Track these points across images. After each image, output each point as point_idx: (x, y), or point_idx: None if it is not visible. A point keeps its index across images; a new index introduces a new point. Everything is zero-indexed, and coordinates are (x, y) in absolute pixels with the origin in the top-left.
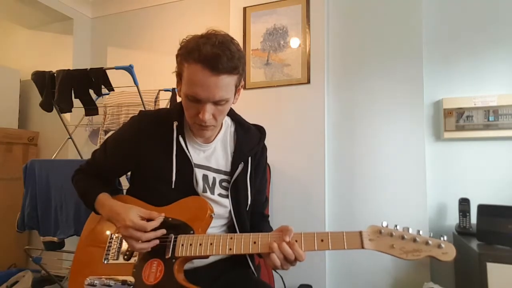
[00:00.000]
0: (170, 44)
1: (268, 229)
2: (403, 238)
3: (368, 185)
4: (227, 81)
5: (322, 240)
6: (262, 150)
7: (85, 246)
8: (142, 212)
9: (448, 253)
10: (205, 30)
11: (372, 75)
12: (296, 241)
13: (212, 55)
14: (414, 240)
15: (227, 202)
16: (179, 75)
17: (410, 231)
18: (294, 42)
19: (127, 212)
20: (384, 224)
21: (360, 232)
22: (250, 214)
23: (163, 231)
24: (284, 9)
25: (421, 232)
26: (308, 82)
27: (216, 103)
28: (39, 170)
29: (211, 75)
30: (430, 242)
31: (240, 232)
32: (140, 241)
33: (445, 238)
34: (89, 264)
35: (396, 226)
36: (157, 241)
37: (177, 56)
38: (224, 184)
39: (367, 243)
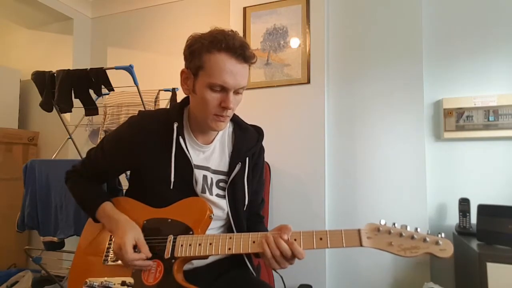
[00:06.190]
0: (170, 44)
1: (264, 230)
2: (401, 235)
3: (368, 185)
4: (247, 70)
5: (321, 239)
6: (260, 151)
7: (85, 248)
8: (138, 240)
9: (446, 249)
10: (208, 29)
11: (372, 75)
12: (295, 239)
13: (239, 44)
14: (412, 237)
15: (224, 203)
16: (195, 68)
17: (408, 228)
18: (294, 42)
19: (126, 232)
20: (382, 222)
21: (359, 230)
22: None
23: (150, 263)
24: (284, 9)
25: (419, 230)
26: (308, 82)
27: (236, 91)
28: (39, 170)
29: (238, 62)
30: (428, 239)
31: (237, 233)
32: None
33: (443, 235)
34: (88, 266)
35: (394, 223)
36: (147, 263)
37: (192, 50)
38: (221, 184)
39: (365, 240)
